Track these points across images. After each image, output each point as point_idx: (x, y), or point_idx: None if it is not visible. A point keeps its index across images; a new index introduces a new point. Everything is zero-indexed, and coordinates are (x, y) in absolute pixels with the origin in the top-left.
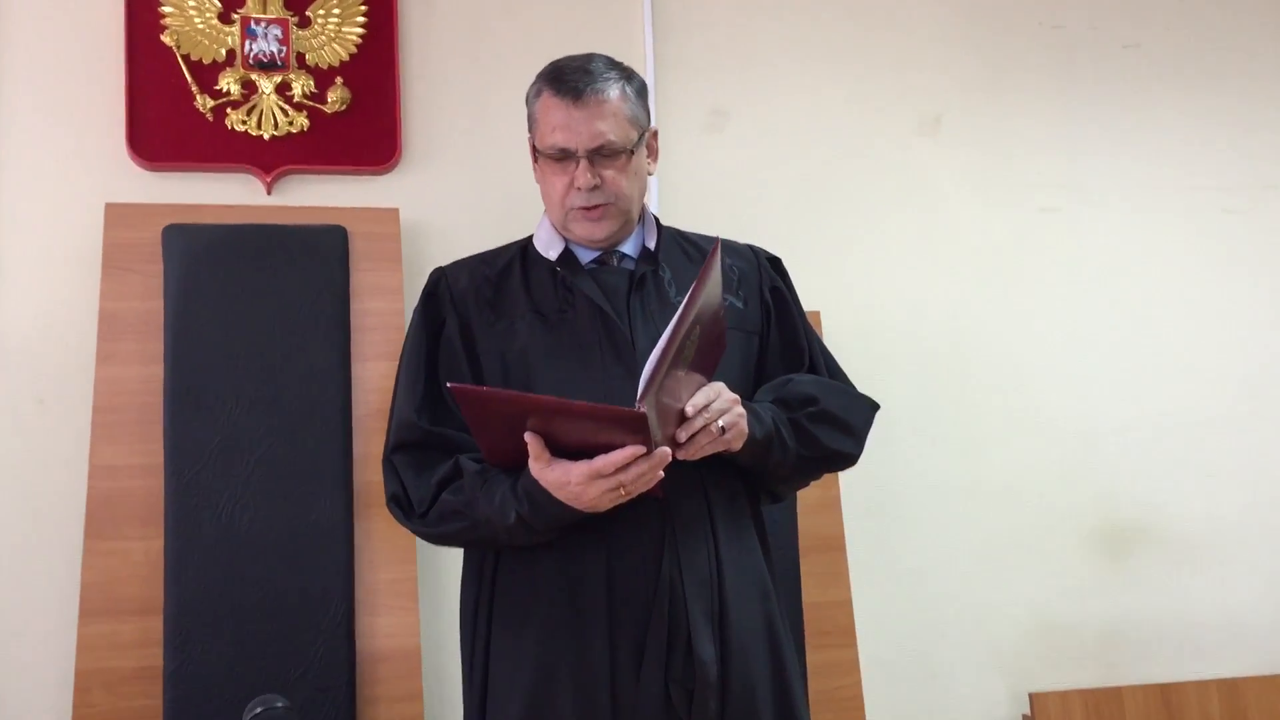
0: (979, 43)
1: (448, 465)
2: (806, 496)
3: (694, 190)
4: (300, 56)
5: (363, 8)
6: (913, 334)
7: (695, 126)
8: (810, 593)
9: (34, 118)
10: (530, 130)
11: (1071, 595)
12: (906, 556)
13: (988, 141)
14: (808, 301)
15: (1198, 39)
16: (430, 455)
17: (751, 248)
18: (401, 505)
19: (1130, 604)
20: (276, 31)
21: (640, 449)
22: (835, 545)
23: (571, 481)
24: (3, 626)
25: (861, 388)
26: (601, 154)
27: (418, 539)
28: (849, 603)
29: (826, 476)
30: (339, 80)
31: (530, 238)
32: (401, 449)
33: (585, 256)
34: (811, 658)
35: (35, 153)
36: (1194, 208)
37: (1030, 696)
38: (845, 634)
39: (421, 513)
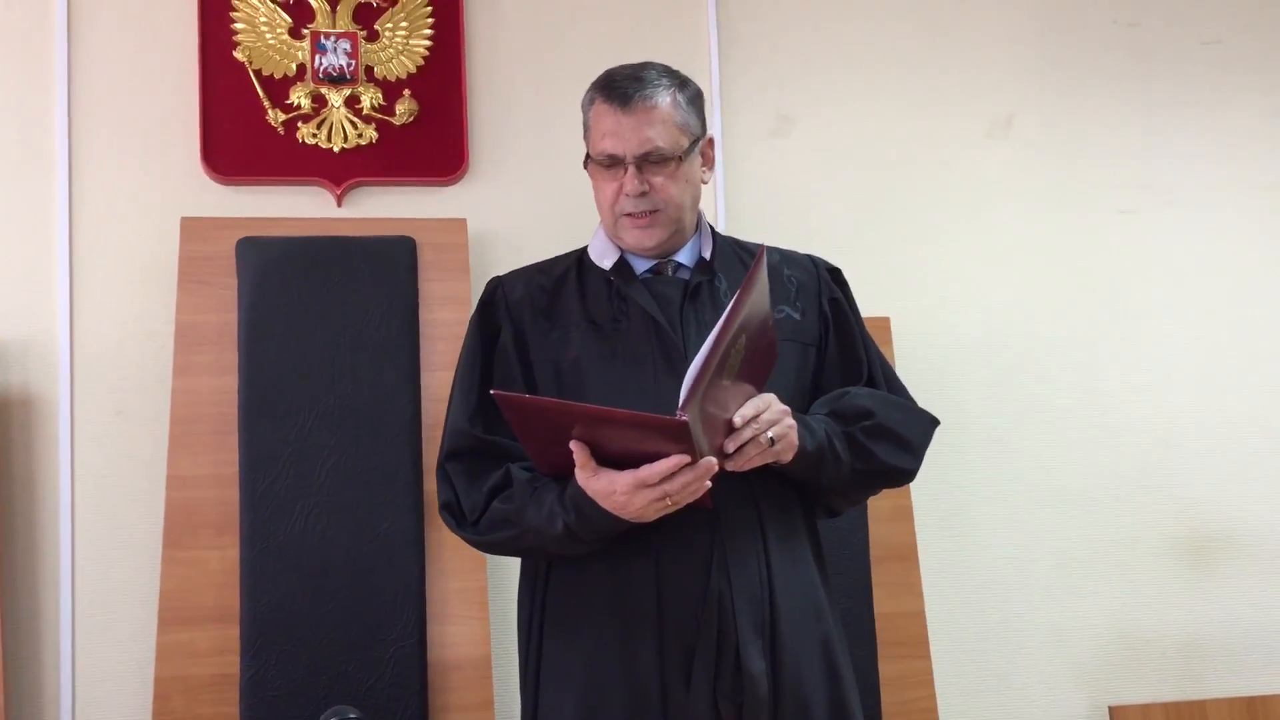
0: (1050, 42)
1: (499, 473)
2: (878, 506)
3: (760, 196)
4: (369, 70)
5: (429, 20)
6: (986, 340)
7: (761, 132)
8: (882, 603)
9: (111, 134)
10: (585, 138)
11: (1152, 606)
12: (981, 566)
13: (1061, 143)
14: (877, 308)
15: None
16: (483, 463)
17: (811, 258)
18: (454, 513)
19: (1213, 614)
20: (345, 45)
21: (684, 458)
22: (907, 555)
23: (617, 490)
24: (84, 634)
25: (933, 395)
26: (650, 160)
27: None
28: (922, 614)
29: None
30: (407, 92)
31: (586, 248)
32: (455, 457)
33: (640, 266)
34: (884, 669)
35: (112, 168)
36: (1277, 208)
37: (1110, 710)
38: (918, 645)
39: (473, 521)
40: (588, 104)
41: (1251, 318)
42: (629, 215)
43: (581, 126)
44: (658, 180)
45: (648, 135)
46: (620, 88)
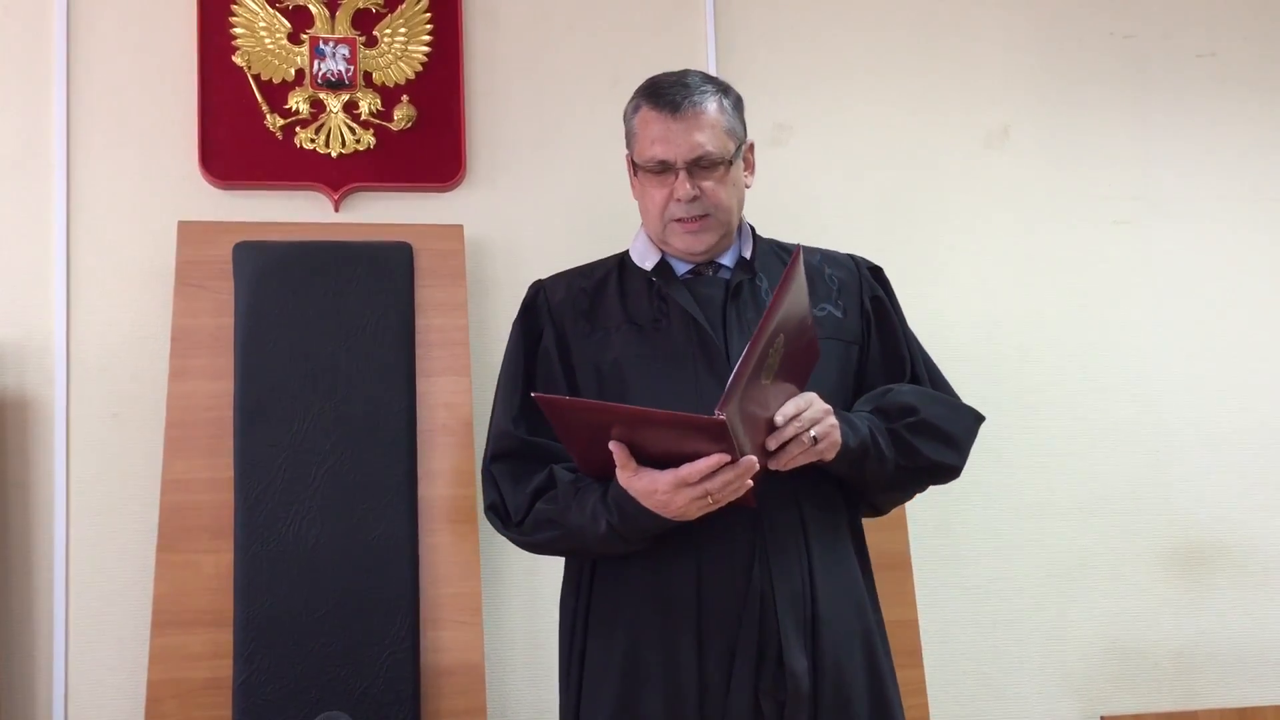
0: (1048, 53)
1: (543, 475)
2: None
3: (758, 204)
4: (367, 75)
5: (428, 26)
6: (981, 349)
7: (759, 141)
8: None
9: (109, 138)
10: (628, 145)
11: (1145, 616)
12: (974, 575)
13: (1058, 154)
14: None
15: (1274, 46)
16: (527, 465)
17: (852, 257)
18: (499, 514)
19: (1206, 625)
20: (344, 51)
21: (724, 457)
22: (901, 563)
23: (659, 490)
24: (78, 637)
25: None
26: (700, 165)
27: (481, 552)
28: (915, 622)
29: None
30: (405, 98)
31: (627, 251)
32: (499, 459)
33: (681, 267)
34: None
35: (110, 172)
36: (1271, 219)
37: None
38: (911, 654)
39: (518, 521)
40: (632, 112)
41: (1245, 328)
42: (679, 220)
43: (578, 133)
44: (708, 185)
45: (698, 140)
46: (669, 95)
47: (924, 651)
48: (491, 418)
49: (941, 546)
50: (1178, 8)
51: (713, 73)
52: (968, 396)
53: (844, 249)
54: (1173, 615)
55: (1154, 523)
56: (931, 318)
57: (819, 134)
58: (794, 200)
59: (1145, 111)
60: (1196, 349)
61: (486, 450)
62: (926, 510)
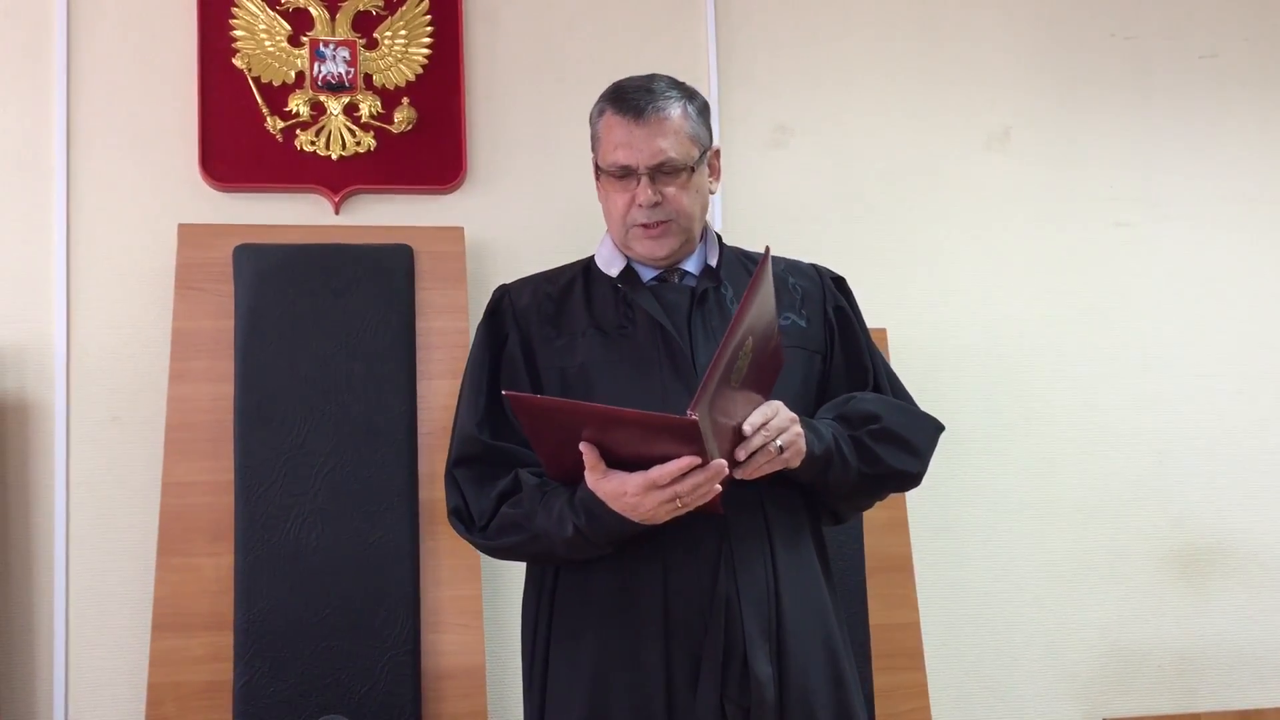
0: (1049, 55)
1: (508, 479)
2: (873, 516)
3: (758, 206)
4: (368, 78)
5: (429, 29)
6: (982, 351)
7: (759, 142)
8: (877, 614)
9: (109, 140)
10: (593, 149)
11: (1147, 618)
12: (976, 578)
13: (1059, 156)
14: (874, 319)
15: (1276, 47)
16: (491, 469)
17: (815, 267)
18: (463, 518)
19: (1208, 627)
20: (344, 53)
21: (695, 459)
22: (903, 566)
23: (628, 492)
24: (78, 640)
25: (930, 406)
26: (662, 171)
27: (482, 556)
28: (917, 625)
29: (893, 496)
30: (405, 101)
31: (592, 257)
32: (463, 463)
33: (646, 274)
34: (879, 680)
35: (110, 175)
36: (1273, 222)
37: None
38: (913, 657)
39: (482, 526)
40: (597, 115)
41: (1247, 331)
42: (641, 226)
43: (578, 135)
44: (670, 191)
45: (660, 146)
46: (632, 99)
47: (925, 654)
48: (455, 422)
49: (943, 548)
50: (1179, 9)
51: (713, 75)
52: (969, 398)
53: (843, 251)
54: (1174, 617)
55: (1156, 525)
56: (932, 319)
57: (819, 136)
58: (793, 202)
59: (1147, 113)
60: (1198, 350)
61: (450, 454)
62: (928, 512)
